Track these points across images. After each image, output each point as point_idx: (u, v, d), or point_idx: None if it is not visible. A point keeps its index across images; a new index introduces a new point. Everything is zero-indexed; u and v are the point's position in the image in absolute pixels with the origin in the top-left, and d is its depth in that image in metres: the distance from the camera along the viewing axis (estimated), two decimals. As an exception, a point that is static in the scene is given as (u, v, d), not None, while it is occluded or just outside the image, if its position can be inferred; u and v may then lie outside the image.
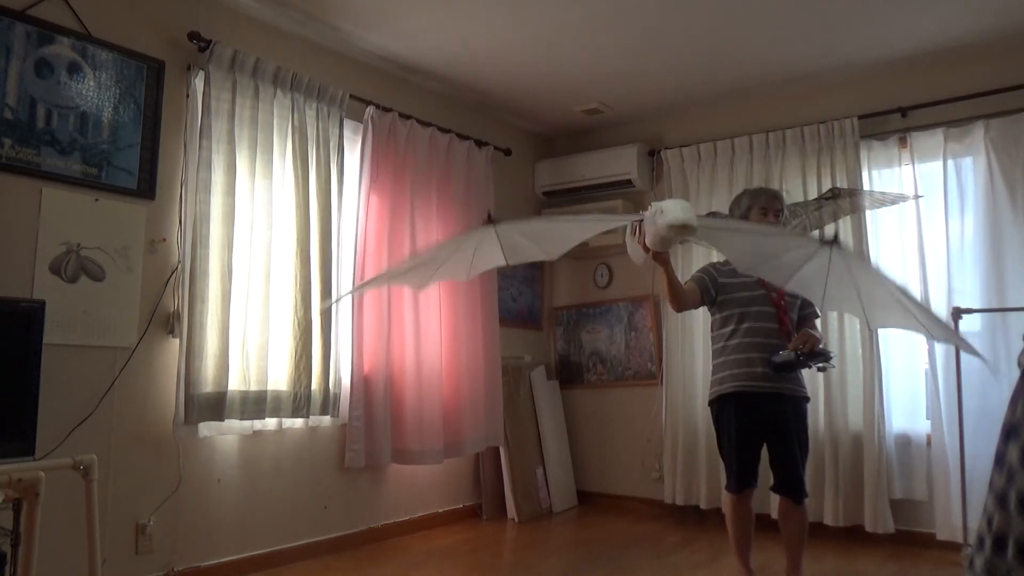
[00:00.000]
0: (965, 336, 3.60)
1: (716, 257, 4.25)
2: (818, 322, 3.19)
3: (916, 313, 2.19)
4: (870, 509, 3.85)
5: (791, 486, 2.91)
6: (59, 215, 2.82)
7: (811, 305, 3.10)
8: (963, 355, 3.58)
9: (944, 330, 2.44)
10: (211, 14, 3.35)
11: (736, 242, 2.47)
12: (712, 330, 3.11)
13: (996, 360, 3.63)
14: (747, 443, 2.95)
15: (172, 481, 3.09)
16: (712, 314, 3.10)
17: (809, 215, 3.97)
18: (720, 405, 3.01)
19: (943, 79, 3.97)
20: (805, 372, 3.00)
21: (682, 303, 2.96)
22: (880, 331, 3.96)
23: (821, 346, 2.90)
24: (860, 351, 4.00)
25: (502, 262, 2.49)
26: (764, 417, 2.93)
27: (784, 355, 2.85)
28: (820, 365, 2.88)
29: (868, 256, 4.02)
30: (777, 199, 3.07)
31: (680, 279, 3.11)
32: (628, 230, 2.52)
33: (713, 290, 3.00)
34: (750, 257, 2.42)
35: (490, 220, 2.33)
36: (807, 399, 3.03)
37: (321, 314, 3.53)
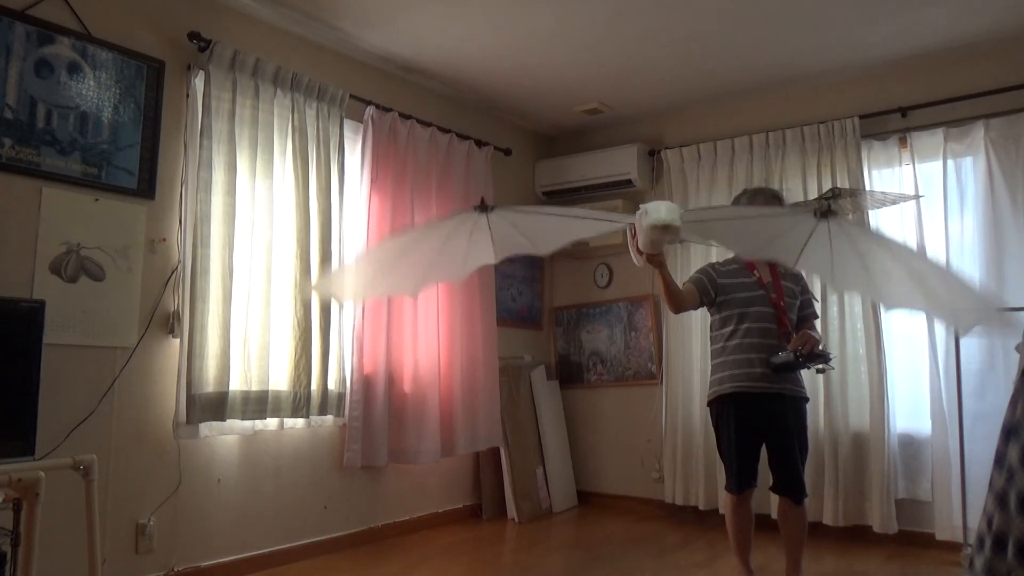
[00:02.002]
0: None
1: (715, 257, 4.26)
2: (817, 323, 3.19)
3: (939, 290, 2.10)
4: (876, 509, 3.85)
5: (790, 486, 2.91)
6: (59, 215, 2.82)
7: (811, 306, 3.11)
8: (963, 356, 3.57)
9: (975, 313, 2.19)
10: (211, 14, 3.35)
11: (733, 231, 2.47)
12: (711, 330, 3.11)
13: (995, 360, 3.63)
14: (746, 443, 2.95)
15: (172, 481, 3.09)
16: (711, 314, 3.10)
17: (809, 215, 3.97)
18: (719, 405, 3.01)
19: (943, 79, 3.97)
20: (804, 372, 3.00)
21: (680, 305, 2.97)
22: (882, 331, 3.96)
23: (821, 347, 2.89)
24: (862, 351, 4.00)
25: (491, 260, 2.45)
26: (763, 418, 2.93)
27: (783, 356, 2.85)
28: (819, 367, 2.88)
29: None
30: (777, 199, 3.08)
31: (679, 280, 3.12)
32: (628, 233, 2.52)
33: (712, 291, 3.01)
34: (751, 243, 2.41)
35: (484, 206, 2.27)
36: (806, 399, 3.03)
37: (320, 314, 3.53)
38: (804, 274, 3.20)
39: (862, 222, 4.04)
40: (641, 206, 2.34)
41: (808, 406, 3.07)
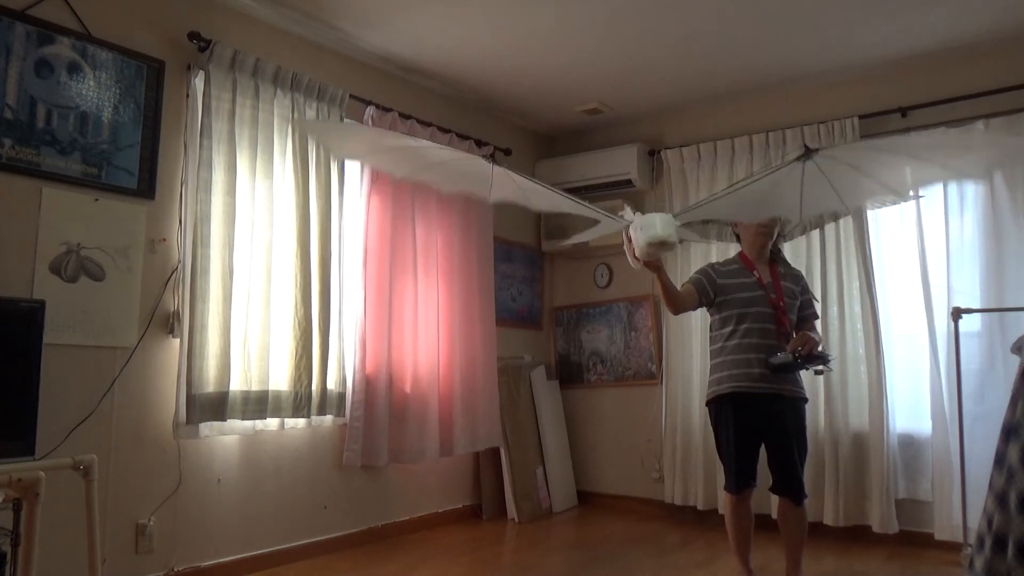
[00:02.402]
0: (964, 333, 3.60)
1: (715, 256, 4.26)
2: (818, 323, 3.18)
3: (944, 154, 2.13)
4: (876, 509, 3.85)
5: (789, 487, 2.91)
6: (59, 215, 2.82)
7: (811, 306, 3.11)
8: (963, 356, 3.57)
9: (976, 151, 2.25)
10: (211, 14, 3.35)
11: (729, 205, 2.48)
12: (711, 330, 3.11)
13: (995, 361, 3.63)
14: (745, 444, 2.95)
15: (172, 481, 3.10)
16: (711, 314, 3.10)
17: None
18: (718, 405, 3.01)
19: (943, 79, 3.97)
20: (804, 372, 3.00)
21: (679, 306, 2.97)
22: (881, 332, 3.96)
23: (820, 349, 2.89)
24: (862, 351, 4.00)
25: (487, 197, 2.57)
26: (762, 418, 2.93)
27: (782, 357, 2.85)
28: (817, 368, 2.87)
29: (862, 256, 4.00)
30: None
31: (678, 280, 3.12)
32: (624, 238, 2.55)
33: (711, 291, 3.01)
34: (749, 209, 2.43)
35: (493, 159, 2.49)
36: (805, 400, 3.02)
37: (320, 313, 3.53)
38: (804, 274, 3.19)
39: (862, 222, 4.04)
40: (636, 218, 2.37)
41: (808, 406, 3.07)
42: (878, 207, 3.99)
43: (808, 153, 1.95)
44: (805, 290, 3.11)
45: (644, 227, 2.28)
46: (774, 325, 2.93)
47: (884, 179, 2.19)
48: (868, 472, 3.92)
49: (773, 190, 2.27)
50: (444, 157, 2.60)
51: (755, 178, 2.34)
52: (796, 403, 2.96)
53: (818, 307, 3.28)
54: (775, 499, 3.00)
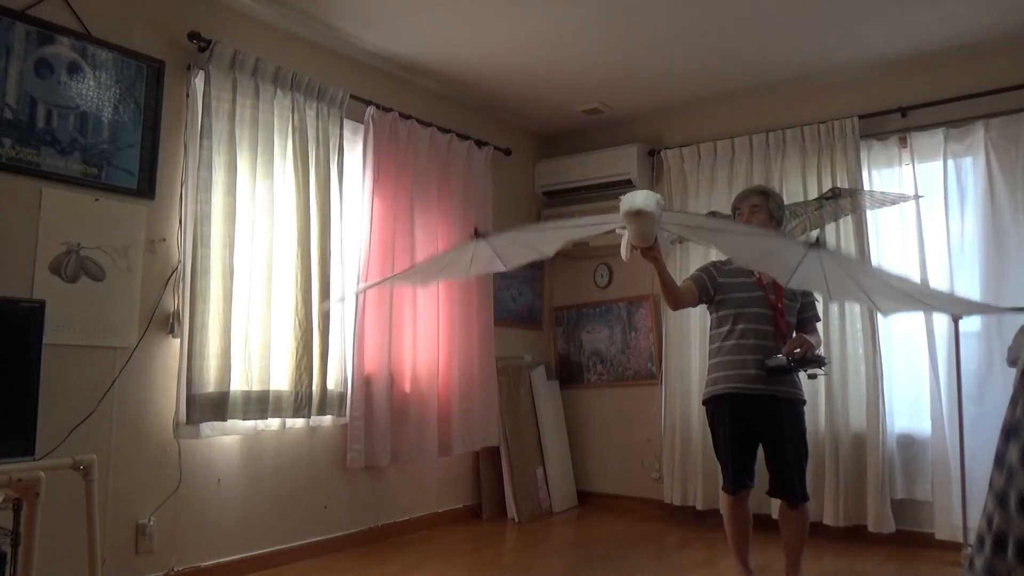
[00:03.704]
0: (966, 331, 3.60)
1: (716, 256, 4.26)
2: (819, 324, 3.16)
3: (925, 299, 2.17)
4: (873, 509, 3.85)
5: (784, 489, 2.89)
6: (59, 215, 2.82)
7: (812, 308, 3.08)
8: (963, 356, 3.57)
9: (962, 305, 2.39)
10: (211, 14, 3.35)
11: (731, 241, 2.49)
12: (710, 329, 3.10)
13: (993, 361, 3.63)
14: (741, 444, 2.94)
15: (172, 481, 3.09)
16: (711, 313, 3.09)
17: (809, 215, 3.98)
18: (714, 405, 3.01)
19: (943, 79, 3.97)
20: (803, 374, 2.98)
21: (677, 301, 2.95)
22: (881, 331, 3.97)
23: (818, 352, 2.86)
24: (861, 351, 4.00)
25: (501, 268, 2.53)
26: (757, 420, 2.91)
27: (776, 359, 2.84)
28: (811, 371, 2.85)
29: (861, 256, 4.01)
30: (753, 194, 3.05)
31: (679, 278, 3.11)
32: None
33: (712, 289, 3.00)
34: (748, 254, 2.44)
35: (477, 235, 2.32)
36: (803, 402, 2.98)
37: (321, 314, 3.54)
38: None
39: (862, 222, 4.04)
40: (622, 196, 2.35)
41: (809, 406, 3.05)
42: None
43: (818, 246, 2.01)
44: (807, 292, 3.07)
45: (625, 200, 2.27)
46: (771, 327, 2.92)
47: (872, 295, 2.25)
48: (866, 472, 3.92)
49: (772, 251, 2.29)
50: (441, 264, 2.76)
51: (762, 235, 2.40)
52: (793, 405, 2.93)
53: (820, 307, 3.26)
54: (776, 499, 2.99)
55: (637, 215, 2.21)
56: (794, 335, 2.97)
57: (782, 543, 2.97)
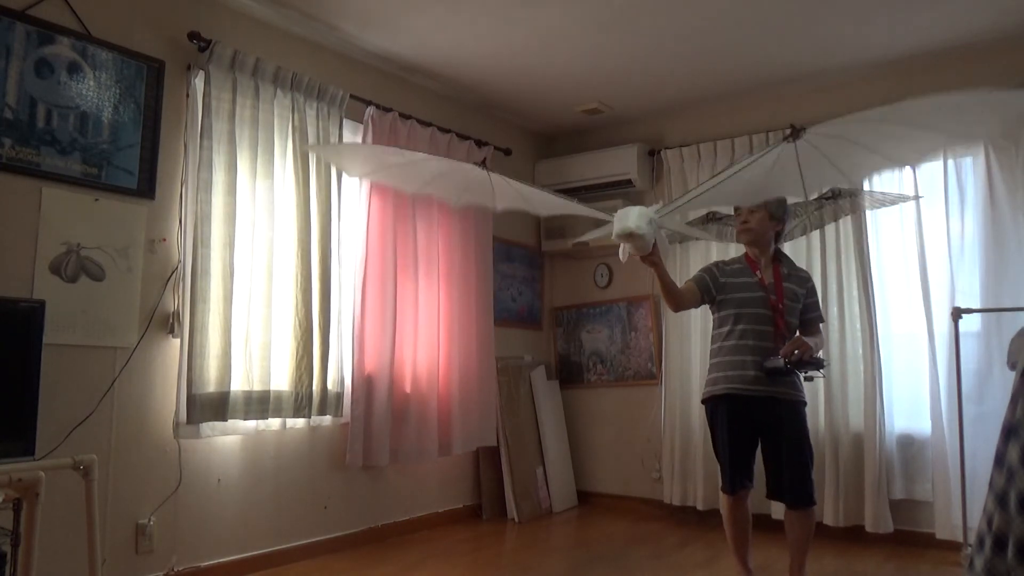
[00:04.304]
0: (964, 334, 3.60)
1: (715, 257, 4.26)
2: (823, 326, 3.13)
3: (939, 118, 2.03)
4: (870, 509, 3.85)
5: (781, 491, 2.87)
6: (59, 215, 2.82)
7: (816, 309, 3.06)
8: (963, 354, 3.57)
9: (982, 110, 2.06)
10: (211, 14, 3.35)
11: (723, 194, 2.46)
12: (712, 329, 3.10)
13: (993, 361, 3.63)
14: (739, 445, 2.93)
15: (172, 481, 3.09)
16: (713, 313, 3.09)
17: (809, 215, 3.97)
18: (713, 405, 3.00)
19: (943, 79, 3.96)
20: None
21: (679, 303, 2.95)
22: (880, 331, 3.96)
23: (814, 354, 2.83)
24: (861, 351, 4.00)
25: (491, 205, 2.65)
26: (756, 420, 2.90)
27: (773, 361, 2.82)
28: (808, 374, 2.83)
29: (860, 260, 4.00)
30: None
31: (679, 279, 3.11)
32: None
33: (714, 289, 2.99)
34: (746, 194, 2.39)
35: (484, 165, 2.47)
36: (803, 403, 2.94)
37: (321, 313, 3.54)
38: (811, 276, 3.13)
39: (862, 223, 4.04)
40: (616, 213, 2.36)
41: (808, 408, 3.00)
42: (879, 201, 3.97)
43: (796, 132, 1.92)
44: (811, 292, 3.05)
45: (618, 219, 2.27)
46: (771, 327, 2.90)
47: (886, 151, 2.12)
48: (868, 472, 3.92)
49: (770, 173, 2.22)
50: (441, 168, 2.66)
51: (741, 165, 2.26)
52: (792, 406, 2.89)
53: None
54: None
55: (630, 237, 2.22)
56: (797, 335, 2.95)
57: (787, 544, 2.95)
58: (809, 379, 2.88)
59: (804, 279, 3.06)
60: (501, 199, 2.59)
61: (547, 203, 2.77)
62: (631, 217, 2.24)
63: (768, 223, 2.99)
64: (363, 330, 3.80)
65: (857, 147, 2.08)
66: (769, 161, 2.22)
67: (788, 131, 1.89)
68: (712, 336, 3.08)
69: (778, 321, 2.91)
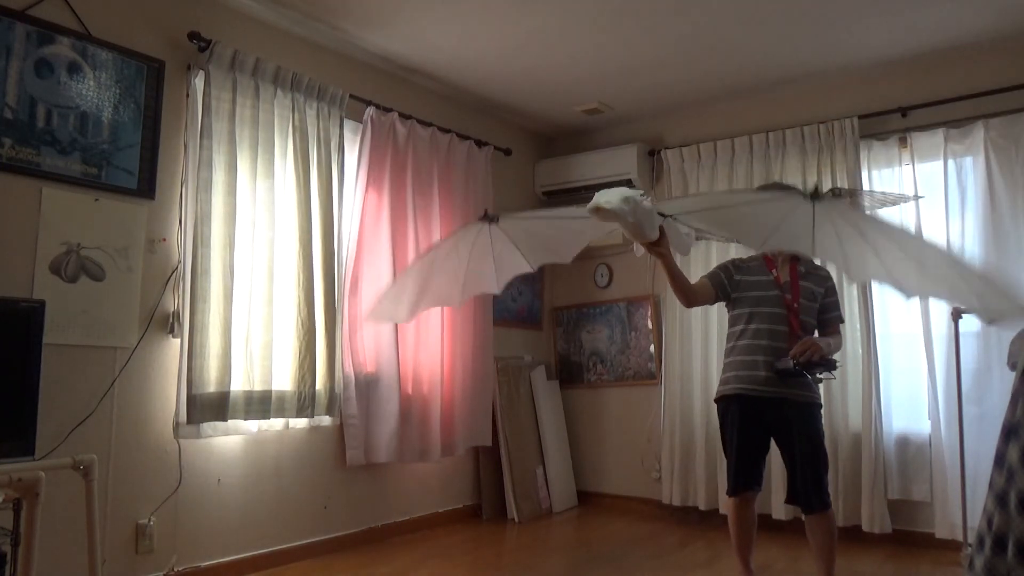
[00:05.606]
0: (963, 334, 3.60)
1: (715, 257, 4.25)
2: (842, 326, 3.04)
3: (955, 278, 2.01)
4: (867, 509, 3.86)
5: (796, 495, 2.82)
6: (59, 215, 2.82)
7: (835, 308, 2.99)
8: (962, 355, 3.57)
9: (1001, 305, 2.03)
10: (211, 14, 3.35)
11: (737, 222, 2.39)
12: (728, 327, 3.05)
13: (992, 361, 3.63)
14: (747, 446, 2.89)
15: (172, 481, 3.09)
16: (728, 311, 3.06)
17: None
18: (724, 405, 2.97)
19: (943, 79, 3.97)
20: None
21: (690, 298, 2.91)
22: (879, 331, 3.96)
23: (824, 356, 2.76)
24: (860, 351, 4.00)
25: (493, 289, 2.55)
26: (766, 422, 2.86)
27: (783, 362, 2.77)
28: (820, 375, 2.78)
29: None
30: (782, 188, 2.98)
31: (689, 277, 3.05)
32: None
33: (729, 287, 2.95)
34: (757, 232, 2.28)
35: (487, 216, 2.36)
36: (817, 405, 2.86)
37: (324, 313, 3.54)
38: (832, 274, 3.05)
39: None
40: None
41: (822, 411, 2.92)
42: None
43: (817, 195, 1.88)
44: (830, 292, 2.98)
45: (595, 196, 2.23)
46: (785, 327, 2.84)
47: (893, 271, 2.06)
48: (865, 472, 3.92)
49: (782, 219, 2.14)
50: (459, 251, 2.61)
51: (754, 200, 2.23)
52: (804, 408, 2.82)
53: None
54: (778, 500, 2.95)
55: (596, 211, 2.17)
56: (815, 335, 2.90)
57: (811, 551, 2.85)
58: (819, 381, 2.83)
59: (823, 278, 2.97)
60: (502, 271, 2.53)
61: (568, 240, 2.68)
62: (603, 194, 2.19)
63: None
64: (362, 329, 3.79)
65: (868, 248, 2.02)
66: (784, 209, 2.15)
67: (812, 190, 1.86)
68: (727, 335, 3.03)
69: (793, 321, 2.85)
